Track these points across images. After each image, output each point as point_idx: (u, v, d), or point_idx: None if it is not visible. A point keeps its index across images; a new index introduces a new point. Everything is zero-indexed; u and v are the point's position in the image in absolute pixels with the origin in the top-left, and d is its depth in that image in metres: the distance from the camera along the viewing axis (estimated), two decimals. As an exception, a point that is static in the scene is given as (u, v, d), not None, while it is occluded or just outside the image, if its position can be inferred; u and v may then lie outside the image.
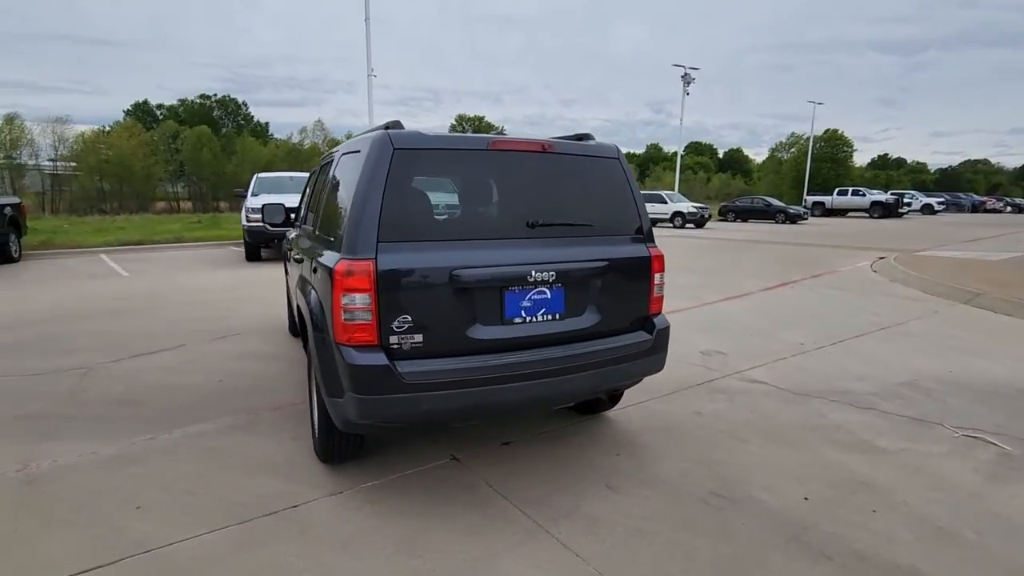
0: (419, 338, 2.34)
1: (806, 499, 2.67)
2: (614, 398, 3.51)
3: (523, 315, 2.54)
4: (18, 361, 4.69)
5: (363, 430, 2.55)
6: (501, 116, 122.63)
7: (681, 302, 7.19)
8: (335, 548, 2.27)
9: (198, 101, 62.16)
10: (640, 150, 79.89)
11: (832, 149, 54.41)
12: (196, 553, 2.24)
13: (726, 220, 27.70)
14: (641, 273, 2.87)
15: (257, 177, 12.69)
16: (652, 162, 69.84)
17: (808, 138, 45.52)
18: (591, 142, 2.89)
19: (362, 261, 2.26)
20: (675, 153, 46.26)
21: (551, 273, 2.53)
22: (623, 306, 2.84)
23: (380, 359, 2.26)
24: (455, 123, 64.49)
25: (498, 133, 63.68)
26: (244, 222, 11.13)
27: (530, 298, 2.55)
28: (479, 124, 63.72)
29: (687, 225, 22.18)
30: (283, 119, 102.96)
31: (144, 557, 2.21)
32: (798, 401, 3.92)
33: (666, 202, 22.75)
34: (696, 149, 77.82)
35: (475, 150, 2.54)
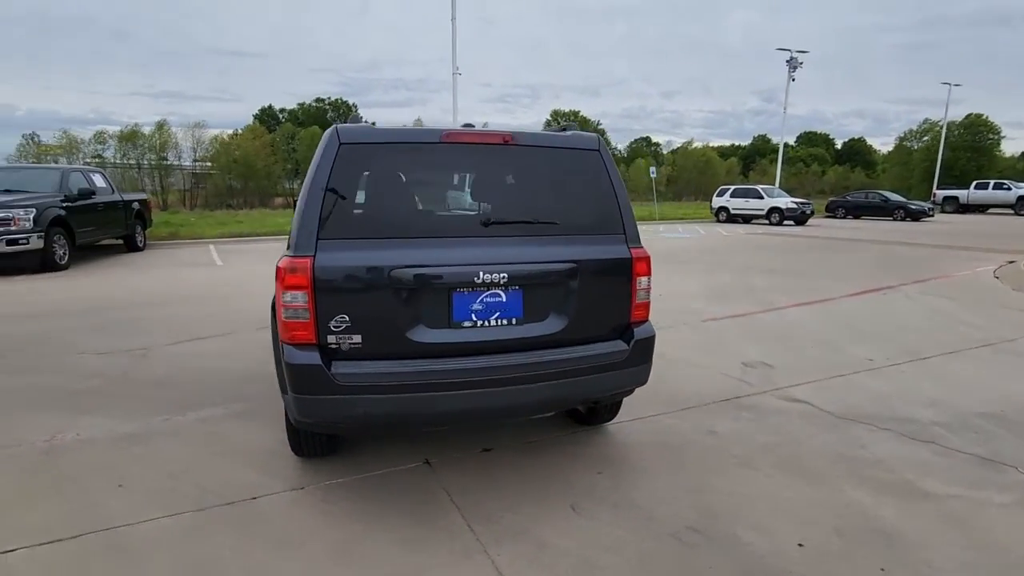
0: (358, 339, 2.27)
1: (800, 546, 2.28)
2: (612, 409, 3.24)
3: (474, 319, 2.39)
4: (96, 341, 5.25)
5: (316, 428, 2.53)
6: (599, 110, 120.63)
7: (745, 306, 6.59)
8: (270, 546, 2.27)
9: (314, 104, 67.15)
10: (746, 141, 75.19)
11: (973, 137, 47.57)
12: (148, 535, 2.34)
13: (834, 217, 25.20)
14: (619, 276, 2.60)
15: None
16: (759, 154, 65.34)
17: (942, 125, 40.22)
18: (567, 133, 2.65)
19: (301, 259, 2.23)
20: (783, 144, 42.73)
21: (503, 275, 2.35)
22: (596, 312, 2.59)
23: (314, 358, 2.22)
24: (550, 119, 64.35)
25: (594, 128, 62.76)
26: None
27: (482, 301, 2.39)
28: (573, 119, 63.09)
29: (786, 222, 20.44)
30: (391, 119, 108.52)
31: (103, 535, 2.34)
32: (839, 427, 3.41)
33: (762, 197, 21.09)
34: (809, 140, 71.76)
35: (427, 143, 2.41)
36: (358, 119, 2.41)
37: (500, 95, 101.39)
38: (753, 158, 63.98)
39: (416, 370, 2.28)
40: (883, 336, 5.41)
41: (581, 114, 63.23)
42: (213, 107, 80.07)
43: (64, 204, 9.93)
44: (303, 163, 46.82)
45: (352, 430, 2.63)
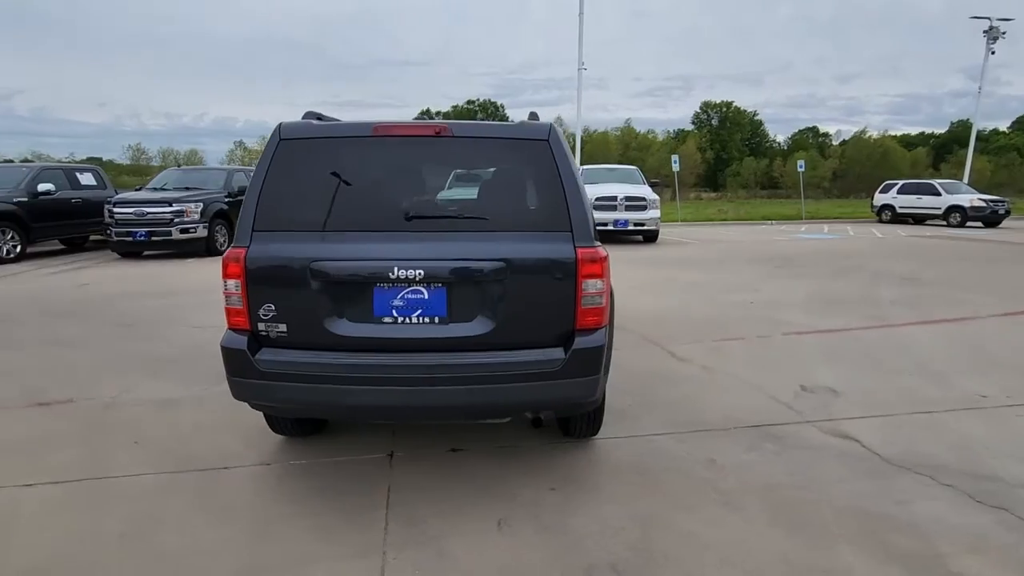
0: (283, 328, 2.35)
1: (730, 610, 1.90)
2: (590, 423, 2.97)
3: (394, 315, 2.34)
4: (202, 316, 6.09)
5: (261, 410, 2.67)
6: (760, 99, 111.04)
7: (848, 320, 5.65)
8: (208, 514, 2.46)
9: (465, 106, 70.89)
10: (942, 128, 64.01)
11: None
12: (126, 490, 2.67)
13: (1049, 218, 20.45)
14: (560, 278, 2.36)
15: (583, 169, 13.81)
16: (957, 143, 55.28)
17: None
18: (510, 123, 2.47)
19: (237, 249, 2.36)
20: (991, 131, 35.46)
21: (419, 271, 2.26)
22: (532, 316, 2.37)
23: (240, 343, 2.35)
24: (699, 110, 60.81)
25: (748, 120, 57.69)
26: None
27: (402, 297, 2.33)
28: (725, 111, 58.87)
29: (971, 223, 17.01)
30: (546, 117, 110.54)
31: (96, 482, 2.72)
32: (883, 475, 2.77)
33: (939, 194, 17.74)
34: (1031, 124, 58.97)
35: (359, 137, 2.40)
36: (318, 116, 2.48)
37: (650, 89, 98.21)
38: (950, 148, 54.27)
39: (332, 362, 2.30)
40: (1018, 368, 4.28)
41: (734, 104, 58.76)
42: (384, 112, 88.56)
43: (227, 199, 11.69)
44: (450, 162, 50.28)
45: (285, 413, 2.73)
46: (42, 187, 10.70)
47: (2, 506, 2.53)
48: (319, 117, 2.59)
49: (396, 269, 2.27)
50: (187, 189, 11.63)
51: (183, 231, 10.69)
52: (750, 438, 3.16)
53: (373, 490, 2.64)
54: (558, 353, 2.34)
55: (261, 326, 2.37)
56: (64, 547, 2.24)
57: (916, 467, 2.83)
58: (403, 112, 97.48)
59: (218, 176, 12.55)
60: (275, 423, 2.97)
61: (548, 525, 2.38)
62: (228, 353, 2.36)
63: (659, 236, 13.29)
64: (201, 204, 10.95)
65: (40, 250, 11.58)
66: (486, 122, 2.48)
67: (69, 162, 12.18)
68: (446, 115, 69.89)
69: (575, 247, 2.36)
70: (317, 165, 2.40)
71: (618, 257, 10.63)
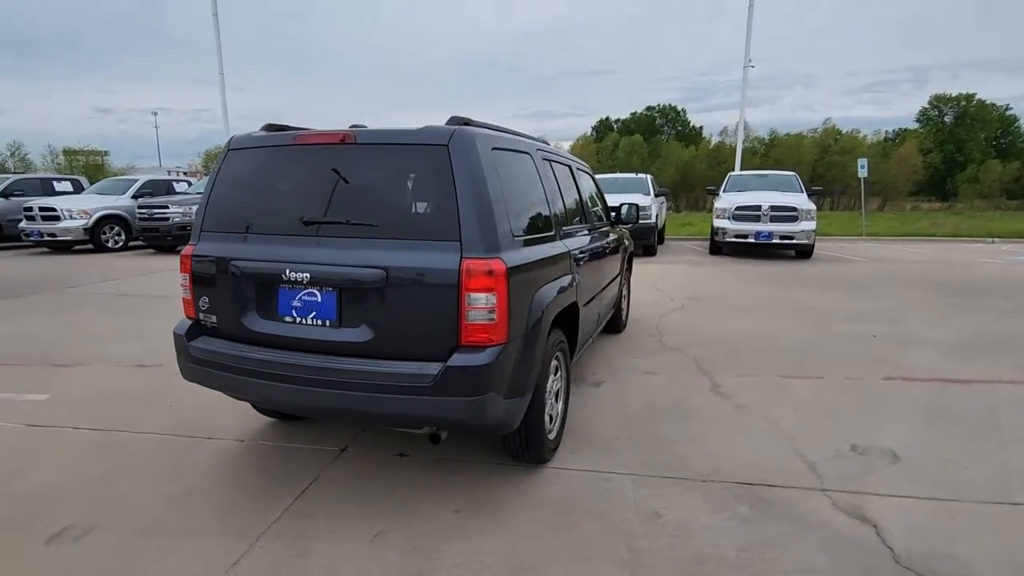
0: (215, 319, 2.60)
1: None
2: (527, 448, 2.73)
3: (293, 315, 2.43)
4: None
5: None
6: (1018, 91, 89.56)
7: (1000, 370, 4.35)
8: (159, 477, 2.81)
9: (644, 112, 69.29)
10: None
11: None
12: (129, 443, 3.18)
13: None
14: (441, 289, 2.22)
15: (730, 176, 13.25)
16: None
17: None
18: (417, 128, 2.37)
19: (188, 247, 2.68)
20: None
21: (305, 275, 2.32)
22: (412, 327, 2.27)
23: (181, 329, 2.65)
24: (928, 106, 51.21)
25: (999, 114, 47.14)
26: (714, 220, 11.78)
27: (300, 298, 2.40)
28: (965, 105, 48.72)
29: None
30: (721, 121, 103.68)
31: (117, 434, 3.29)
32: (890, 574, 2.10)
33: None
34: None
35: (284, 147, 2.53)
36: (277, 127, 2.70)
37: (867, 84, 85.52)
38: None
39: (240, 354, 2.48)
40: None
41: (977, 97, 48.39)
42: (571, 122, 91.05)
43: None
44: (620, 169, 49.48)
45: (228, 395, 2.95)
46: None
47: (54, 438, 3.21)
48: (279, 128, 2.80)
49: (288, 271, 2.37)
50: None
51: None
52: (727, 496, 2.62)
53: (298, 479, 2.77)
54: (433, 368, 2.22)
55: (201, 316, 2.66)
56: (60, 478, 2.76)
57: (939, 572, 2.08)
58: (587, 121, 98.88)
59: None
60: (254, 405, 3.28)
61: (419, 547, 2.26)
62: (174, 337, 2.69)
63: (815, 251, 11.56)
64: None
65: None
66: (389, 129, 2.45)
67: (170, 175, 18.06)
68: (625, 122, 68.87)
69: (461, 258, 2.22)
70: (252, 173, 2.61)
71: (740, 272, 9.55)
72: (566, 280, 2.95)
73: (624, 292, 5.54)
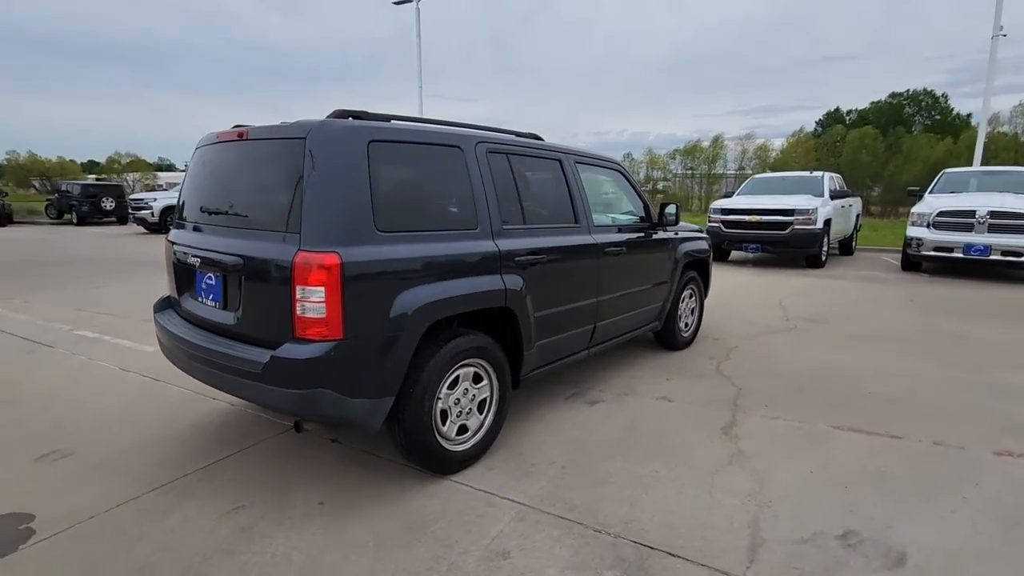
0: (176, 295, 2.99)
1: None
2: (412, 454, 2.59)
3: (201, 296, 2.66)
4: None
5: None
6: None
7: None
8: (144, 428, 3.32)
9: (888, 101, 58.79)
10: None
11: None
12: (171, 396, 3.82)
13: None
14: (277, 280, 2.22)
15: (944, 173, 10.54)
16: None
17: None
18: (288, 123, 2.37)
19: (167, 233, 3.13)
20: None
21: (197, 259, 2.53)
22: (262, 314, 2.32)
23: (156, 306, 3.10)
24: None
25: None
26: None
27: (204, 281, 2.63)
28: None
29: None
30: (1005, 105, 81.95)
31: (164, 386, 3.98)
32: None
33: None
34: None
35: (212, 144, 2.73)
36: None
37: None
38: None
39: (166, 327, 2.82)
40: None
41: None
42: (798, 116, 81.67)
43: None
44: (845, 167, 42.63)
45: None
46: None
47: (122, 381, 4.03)
48: (238, 127, 3.08)
49: (188, 257, 2.62)
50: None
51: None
52: (606, 554, 2.16)
53: (234, 446, 3.02)
54: (265, 357, 2.25)
55: (170, 293, 3.09)
56: (86, 412, 3.46)
57: None
58: (815, 115, 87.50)
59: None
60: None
61: (257, 527, 2.32)
62: (154, 306, 3.16)
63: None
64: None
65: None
66: (274, 124, 2.50)
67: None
68: (862, 113, 59.27)
69: (298, 250, 2.20)
70: (199, 167, 2.93)
71: (920, 294, 7.52)
72: (484, 281, 2.71)
73: (686, 304, 4.83)
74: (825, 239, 9.98)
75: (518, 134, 3.38)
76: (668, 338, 4.66)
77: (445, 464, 2.66)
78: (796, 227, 9.56)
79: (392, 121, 2.65)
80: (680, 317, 4.76)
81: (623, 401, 3.71)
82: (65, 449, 3.00)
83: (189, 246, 2.70)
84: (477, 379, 2.81)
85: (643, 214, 4.21)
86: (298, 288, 2.19)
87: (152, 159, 62.80)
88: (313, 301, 2.18)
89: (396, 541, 2.24)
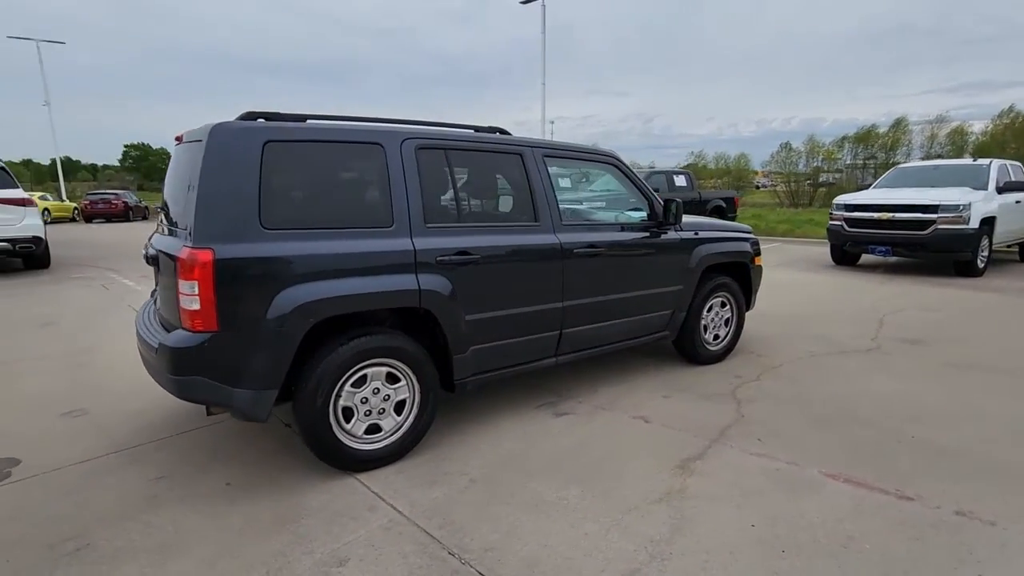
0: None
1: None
2: (320, 454, 2.62)
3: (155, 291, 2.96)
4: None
5: None
6: None
7: None
8: (150, 398, 3.78)
9: None
10: None
11: None
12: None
13: None
14: (171, 273, 2.38)
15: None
16: None
17: None
18: (211, 124, 2.47)
19: None
20: None
21: (152, 254, 2.79)
22: (168, 306, 2.51)
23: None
24: None
25: None
26: None
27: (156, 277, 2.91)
28: None
29: None
30: None
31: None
32: None
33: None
34: None
35: (176, 144, 2.96)
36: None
37: None
38: None
39: (147, 317, 3.16)
40: None
41: None
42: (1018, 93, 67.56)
43: (631, 199, 12.85)
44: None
45: None
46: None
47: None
48: (255, 116, 3.29)
49: (148, 252, 2.90)
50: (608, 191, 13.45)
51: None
52: (429, 562, 2.00)
53: (203, 420, 3.33)
54: (157, 343, 2.43)
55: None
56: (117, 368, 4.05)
57: None
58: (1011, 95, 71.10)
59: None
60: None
61: (159, 496, 2.53)
62: None
63: None
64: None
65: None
66: (200, 127, 2.64)
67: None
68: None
69: (183, 246, 2.34)
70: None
71: None
72: (390, 280, 2.64)
73: (716, 314, 4.25)
74: (984, 242, 8.12)
75: (478, 129, 3.23)
76: (688, 350, 4.16)
77: (346, 461, 2.66)
78: (940, 227, 7.89)
79: (308, 121, 2.70)
80: (706, 328, 4.21)
81: (595, 416, 3.39)
82: (85, 409, 3.54)
83: (150, 243, 3.02)
84: (393, 379, 2.77)
85: (648, 212, 3.79)
86: (180, 282, 2.33)
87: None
88: (190, 294, 2.30)
89: (258, 531, 2.30)
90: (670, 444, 3.01)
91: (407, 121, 2.98)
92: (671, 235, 3.84)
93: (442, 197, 2.92)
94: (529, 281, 3.14)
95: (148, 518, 2.39)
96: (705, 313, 4.18)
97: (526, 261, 3.12)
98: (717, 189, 19.54)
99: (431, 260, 2.76)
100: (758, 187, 45.73)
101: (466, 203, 3.01)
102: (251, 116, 2.58)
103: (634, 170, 3.78)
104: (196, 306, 2.30)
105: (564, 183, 12.16)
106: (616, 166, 3.72)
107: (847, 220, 8.94)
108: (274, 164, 2.45)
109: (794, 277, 8.42)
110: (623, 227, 3.67)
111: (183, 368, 2.35)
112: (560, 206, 3.31)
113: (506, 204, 3.27)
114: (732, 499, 2.48)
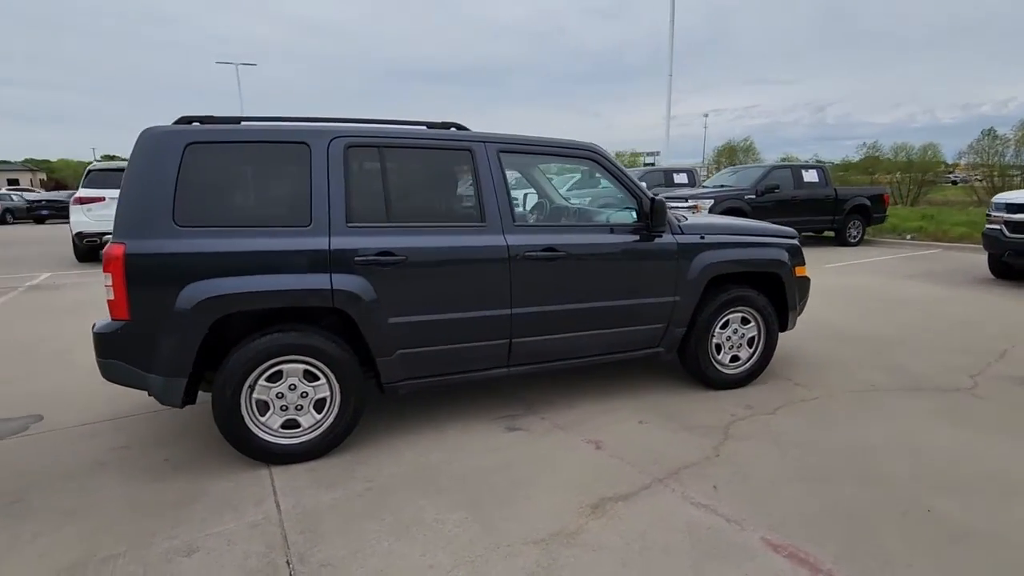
0: None
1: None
2: (233, 442, 2.71)
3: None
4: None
5: None
6: None
7: None
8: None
9: None
10: None
11: None
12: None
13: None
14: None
15: None
16: None
17: None
18: (147, 127, 2.63)
19: None
20: None
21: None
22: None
23: None
24: None
25: None
26: None
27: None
28: None
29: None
30: None
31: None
32: None
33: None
34: None
35: None
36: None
37: None
38: None
39: None
40: None
41: None
42: None
43: (748, 197, 11.64)
44: None
45: None
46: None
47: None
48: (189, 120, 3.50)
49: None
50: (721, 187, 12.34)
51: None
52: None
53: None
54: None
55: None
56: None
57: None
58: None
59: (752, 173, 12.42)
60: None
61: (108, 464, 2.82)
62: None
63: None
64: (711, 202, 11.46)
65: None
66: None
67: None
68: None
69: (116, 240, 2.55)
70: None
71: None
72: (300, 279, 2.63)
73: (736, 332, 3.64)
74: None
75: (430, 125, 3.10)
76: (695, 371, 3.62)
77: (257, 452, 2.73)
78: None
79: (242, 124, 2.79)
80: (721, 348, 3.63)
81: (548, 435, 3.09)
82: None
83: None
84: (313, 377, 2.78)
85: (636, 213, 3.35)
86: (104, 273, 2.56)
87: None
88: (108, 285, 2.51)
89: (154, 509, 2.44)
90: (604, 477, 2.64)
91: (358, 120, 2.96)
92: (665, 239, 3.36)
93: (370, 196, 2.85)
94: (468, 285, 2.95)
95: (86, 483, 2.67)
96: (718, 330, 3.60)
97: (464, 264, 2.93)
98: (865, 186, 16.73)
99: (348, 260, 2.72)
100: (954, 183, 38.67)
101: (399, 202, 2.91)
102: (186, 120, 2.73)
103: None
104: (112, 296, 2.51)
105: (569, 180, 11.38)
106: (596, 160, 3.33)
107: (1008, 223, 7.17)
108: (193, 165, 2.58)
109: (918, 291, 6.95)
110: (598, 229, 3.29)
111: (104, 351, 2.58)
112: (516, 206, 3.07)
113: (447, 203, 3.11)
114: (622, 555, 2.10)
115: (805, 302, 4.00)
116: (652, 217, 3.24)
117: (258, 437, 2.73)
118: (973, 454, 2.82)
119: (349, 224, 2.75)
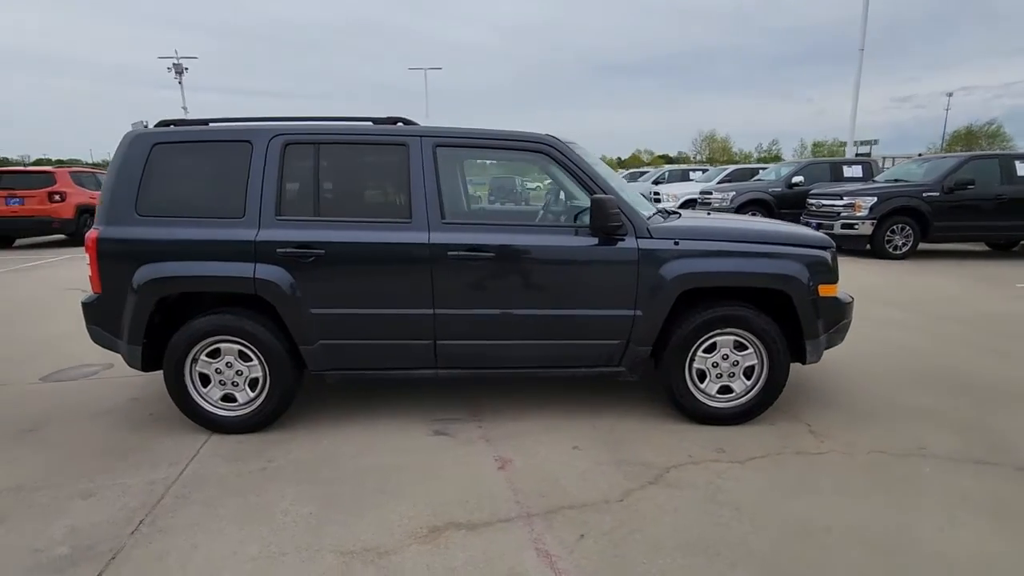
0: None
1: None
2: (182, 409, 3.07)
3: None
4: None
5: None
6: None
7: None
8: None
9: None
10: None
11: None
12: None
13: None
14: None
15: None
16: None
17: None
18: (129, 130, 3.02)
19: None
20: None
21: None
22: None
23: None
24: None
25: None
26: None
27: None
28: None
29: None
30: None
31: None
32: None
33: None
34: None
35: None
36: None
37: None
38: None
39: None
40: None
41: None
42: None
43: (928, 195, 9.45)
44: None
45: None
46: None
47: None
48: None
49: None
50: (897, 182, 10.21)
51: (844, 227, 9.80)
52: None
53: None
54: None
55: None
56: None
57: None
58: None
59: (941, 165, 9.99)
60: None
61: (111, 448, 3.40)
62: None
63: None
64: (874, 199, 9.54)
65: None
66: None
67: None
68: None
69: (94, 226, 3.03)
70: None
71: None
72: (226, 267, 2.85)
73: (723, 358, 3.01)
74: None
75: (376, 120, 3.09)
76: (674, 399, 3.09)
77: (200, 419, 3.04)
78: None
79: (210, 124, 3.09)
80: (706, 375, 3.05)
81: (467, 446, 2.93)
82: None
83: None
84: (246, 358, 3.02)
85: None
86: (85, 254, 3.06)
87: (672, 153, 72.78)
88: (87, 263, 3.01)
89: (94, 454, 2.87)
90: (474, 500, 2.43)
91: (309, 118, 3.10)
92: (626, 243, 2.91)
93: (301, 191, 2.96)
94: (388, 281, 2.92)
95: (88, 424, 3.26)
96: (701, 354, 3.03)
97: (384, 260, 2.90)
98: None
99: (271, 251, 2.87)
100: None
101: (328, 197, 2.97)
102: (164, 123, 3.12)
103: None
104: (90, 272, 3.01)
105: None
106: (549, 155, 2.99)
107: None
108: (157, 162, 2.95)
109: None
110: (540, 229, 2.98)
111: (88, 318, 3.09)
112: (446, 203, 2.94)
113: (376, 198, 3.07)
114: (407, 587, 1.92)
115: (844, 331, 3.16)
116: (592, 218, 2.84)
117: (199, 406, 3.05)
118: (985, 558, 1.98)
119: (278, 217, 2.91)
